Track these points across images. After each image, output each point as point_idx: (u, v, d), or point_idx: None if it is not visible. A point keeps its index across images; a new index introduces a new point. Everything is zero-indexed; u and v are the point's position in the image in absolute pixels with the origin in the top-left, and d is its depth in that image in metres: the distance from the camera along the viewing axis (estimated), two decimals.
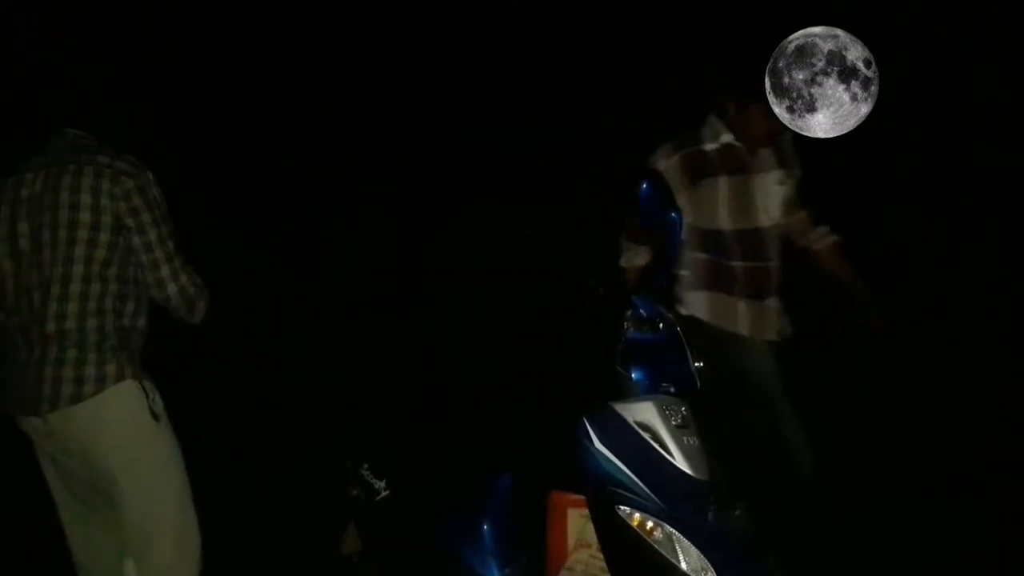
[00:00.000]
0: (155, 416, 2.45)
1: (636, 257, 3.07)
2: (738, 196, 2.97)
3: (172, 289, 2.48)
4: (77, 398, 2.39)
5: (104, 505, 2.55)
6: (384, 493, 2.76)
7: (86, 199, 2.39)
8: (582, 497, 2.37)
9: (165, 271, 2.47)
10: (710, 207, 2.97)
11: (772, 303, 3.03)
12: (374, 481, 2.79)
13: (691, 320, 2.91)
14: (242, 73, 5.30)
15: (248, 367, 3.48)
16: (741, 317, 2.98)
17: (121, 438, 2.45)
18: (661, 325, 2.49)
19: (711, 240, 2.99)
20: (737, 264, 2.98)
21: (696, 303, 3.00)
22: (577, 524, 2.40)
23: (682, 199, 2.86)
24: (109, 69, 2.61)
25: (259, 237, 5.13)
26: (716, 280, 2.99)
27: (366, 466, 2.83)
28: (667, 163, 2.96)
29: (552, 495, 2.41)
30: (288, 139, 5.50)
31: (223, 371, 3.55)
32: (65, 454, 2.50)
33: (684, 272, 3.02)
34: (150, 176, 2.45)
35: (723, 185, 2.96)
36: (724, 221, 2.97)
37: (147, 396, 2.44)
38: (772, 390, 2.95)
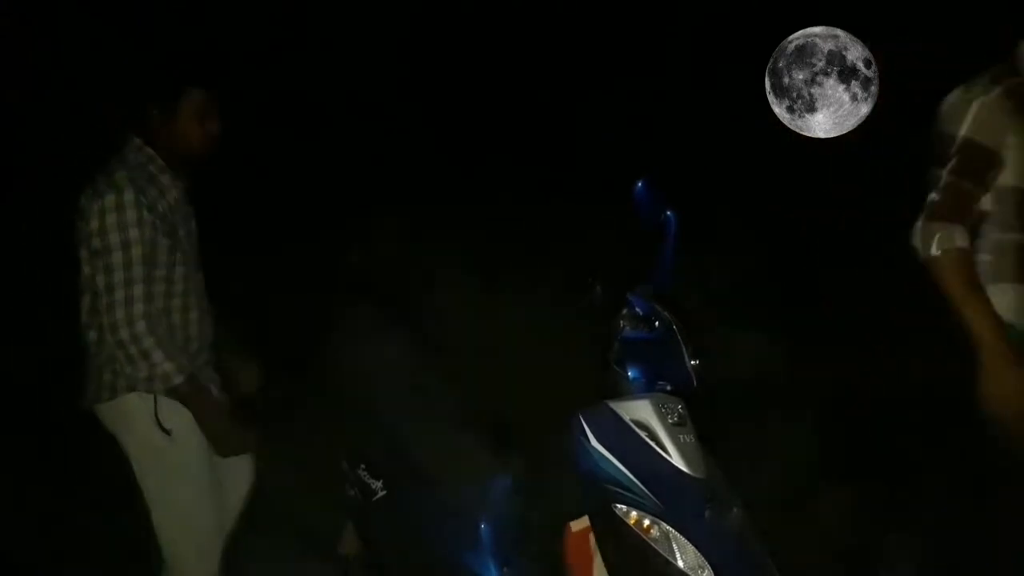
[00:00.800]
0: (165, 430, 2.49)
1: (956, 237, 2.29)
2: None
3: (104, 322, 2.41)
4: (96, 400, 2.54)
5: None
6: (381, 493, 2.76)
7: (78, 219, 2.46)
8: None
9: (101, 302, 2.40)
10: None
11: None
12: (371, 481, 2.79)
13: None
14: (241, 72, 5.30)
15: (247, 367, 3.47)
16: None
17: (131, 443, 2.56)
18: (657, 323, 2.49)
19: None
20: None
21: (999, 298, 2.33)
22: None
23: (1009, 147, 2.26)
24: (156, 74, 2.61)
25: (259, 237, 5.13)
26: None
27: (363, 466, 2.83)
28: (985, 99, 2.29)
29: (568, 525, 2.35)
30: (288, 139, 5.50)
31: (222, 370, 3.55)
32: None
33: (985, 257, 2.36)
34: (125, 198, 2.37)
35: None
36: None
37: (156, 410, 2.47)
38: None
